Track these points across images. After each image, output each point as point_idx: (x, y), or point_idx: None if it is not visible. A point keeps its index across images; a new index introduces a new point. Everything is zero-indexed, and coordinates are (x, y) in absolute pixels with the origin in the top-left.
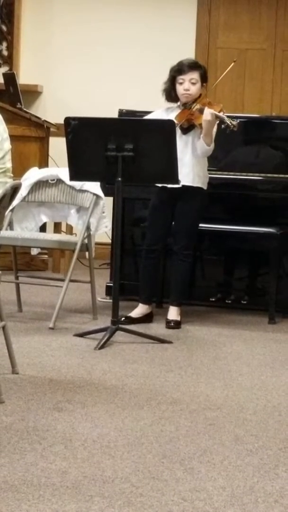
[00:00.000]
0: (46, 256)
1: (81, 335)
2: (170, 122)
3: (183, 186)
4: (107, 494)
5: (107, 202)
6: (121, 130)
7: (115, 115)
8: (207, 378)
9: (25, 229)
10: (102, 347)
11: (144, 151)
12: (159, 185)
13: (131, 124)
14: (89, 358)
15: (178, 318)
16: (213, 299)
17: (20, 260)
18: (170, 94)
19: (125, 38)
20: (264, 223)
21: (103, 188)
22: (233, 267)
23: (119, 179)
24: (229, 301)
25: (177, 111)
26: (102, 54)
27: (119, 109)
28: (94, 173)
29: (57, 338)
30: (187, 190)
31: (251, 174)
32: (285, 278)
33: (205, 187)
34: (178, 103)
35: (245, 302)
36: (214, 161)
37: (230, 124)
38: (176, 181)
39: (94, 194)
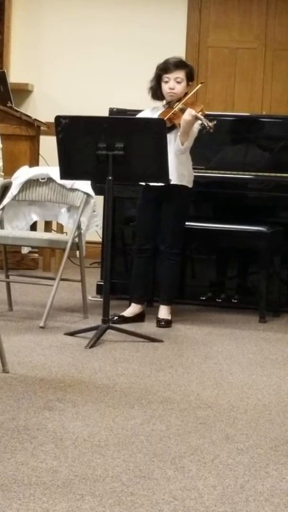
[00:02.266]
0: (36, 255)
1: (72, 334)
2: (160, 121)
3: (167, 185)
4: (98, 493)
5: (98, 201)
6: (111, 129)
7: (105, 113)
8: (198, 377)
9: (15, 228)
10: (92, 346)
11: (135, 150)
12: (144, 184)
13: (121, 123)
14: (79, 357)
15: (169, 317)
16: (204, 298)
17: (10, 259)
18: (156, 92)
19: (116, 37)
20: (254, 222)
21: (94, 187)
22: (224, 266)
23: (110, 178)
24: (220, 300)
25: (161, 110)
26: (92, 53)
27: (110, 108)
28: (84, 172)
29: (47, 337)
30: (172, 189)
31: (241, 173)
32: (275, 277)
33: (190, 185)
34: (164, 101)
35: (235, 301)
36: (205, 160)
37: (207, 125)
38: (167, 179)
39: (85, 193)
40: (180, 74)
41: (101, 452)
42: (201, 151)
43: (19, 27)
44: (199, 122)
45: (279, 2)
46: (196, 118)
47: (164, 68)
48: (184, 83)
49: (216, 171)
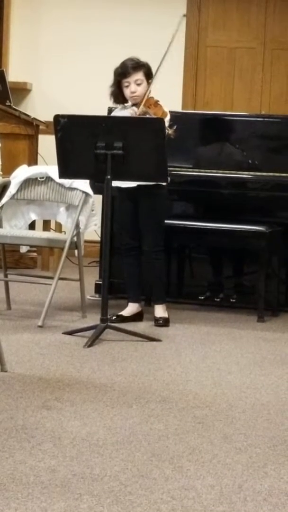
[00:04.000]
0: (35, 254)
1: (70, 333)
2: (159, 120)
3: (138, 186)
4: (96, 492)
5: (97, 200)
6: (110, 128)
7: (104, 113)
8: (196, 377)
9: (14, 227)
10: (91, 345)
11: (133, 149)
12: (116, 186)
13: (120, 122)
14: (78, 356)
15: (166, 315)
16: (202, 298)
17: (9, 258)
18: (118, 97)
19: (115, 36)
20: (253, 221)
21: (92, 186)
22: (222, 265)
23: (108, 177)
24: (218, 300)
25: (129, 111)
26: (91, 51)
27: (109, 107)
28: (83, 171)
29: (46, 336)
30: (145, 189)
31: (240, 172)
32: (274, 277)
33: (164, 183)
34: (129, 102)
35: (234, 300)
36: (203, 159)
37: (166, 132)
38: (165, 179)
39: (83, 192)
40: (139, 76)
41: (99, 451)
42: (200, 150)
43: (18, 26)
44: None
45: (278, 2)
46: None
47: (123, 73)
48: (144, 83)
49: (215, 171)
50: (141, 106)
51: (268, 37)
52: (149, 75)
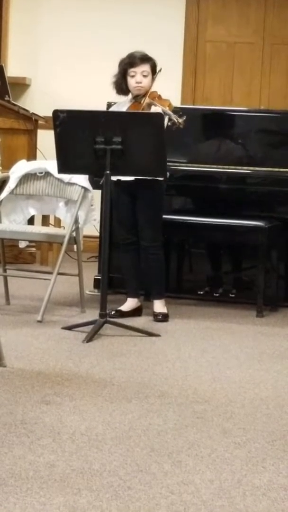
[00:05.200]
0: (34, 249)
1: (69, 328)
2: (158, 115)
3: (136, 179)
4: (95, 487)
5: (96, 195)
6: (109, 123)
7: (103, 108)
8: (195, 372)
9: (13, 222)
10: (90, 340)
11: (133, 144)
12: (115, 180)
13: (119, 117)
14: (77, 351)
15: (165, 310)
16: (201, 292)
17: (8, 253)
18: (121, 87)
19: (114, 31)
20: (252, 216)
21: (92, 181)
22: (221, 260)
23: (108, 172)
24: (217, 295)
25: (128, 105)
26: (90, 46)
27: (108, 102)
28: (82, 166)
29: (45, 331)
30: (142, 183)
31: (239, 167)
32: (273, 272)
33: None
34: (129, 96)
35: (233, 295)
36: (203, 154)
37: (176, 121)
38: (165, 174)
39: (83, 187)
40: (146, 68)
41: (98, 446)
42: (199, 145)
43: (17, 21)
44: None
45: None
46: (165, 113)
47: (130, 63)
48: (150, 76)
49: (215, 166)
50: (146, 98)
51: (267, 32)
52: (154, 70)
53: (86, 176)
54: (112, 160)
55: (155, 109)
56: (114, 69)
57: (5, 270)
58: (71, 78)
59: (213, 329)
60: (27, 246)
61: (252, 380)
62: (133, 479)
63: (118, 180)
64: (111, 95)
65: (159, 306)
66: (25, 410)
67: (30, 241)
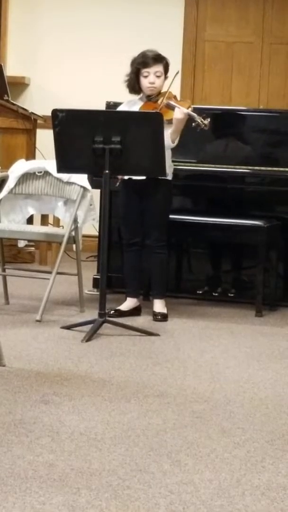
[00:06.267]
0: (33, 248)
1: (68, 327)
2: (157, 115)
3: (146, 179)
4: (94, 486)
5: (95, 195)
6: (108, 122)
7: (102, 107)
8: (194, 371)
9: (12, 222)
10: (89, 339)
11: (132, 144)
12: (126, 178)
13: (118, 116)
14: (76, 351)
15: (165, 310)
16: (200, 292)
17: (7, 253)
18: (134, 86)
19: (113, 31)
20: (251, 216)
21: (91, 180)
22: (220, 260)
23: (107, 171)
24: (216, 294)
25: (140, 103)
26: (89, 46)
27: (107, 102)
28: (81, 166)
29: (44, 331)
30: (152, 182)
31: (238, 167)
32: (272, 271)
33: (170, 178)
34: (141, 95)
35: (232, 295)
36: (202, 154)
37: (201, 123)
38: (164, 173)
39: (82, 186)
40: (159, 68)
41: (97, 446)
42: (198, 145)
43: (16, 20)
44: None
45: None
46: (189, 115)
47: (143, 63)
48: (163, 77)
49: (213, 165)
50: (164, 98)
51: (266, 32)
52: (166, 70)
53: (85, 176)
54: (111, 160)
55: (180, 111)
56: (114, 69)
57: (4, 270)
58: (70, 77)
59: (212, 328)
60: (26, 246)
61: (251, 379)
62: (132, 479)
63: (128, 180)
64: (111, 94)
65: (159, 306)
66: (24, 410)
67: (29, 241)
